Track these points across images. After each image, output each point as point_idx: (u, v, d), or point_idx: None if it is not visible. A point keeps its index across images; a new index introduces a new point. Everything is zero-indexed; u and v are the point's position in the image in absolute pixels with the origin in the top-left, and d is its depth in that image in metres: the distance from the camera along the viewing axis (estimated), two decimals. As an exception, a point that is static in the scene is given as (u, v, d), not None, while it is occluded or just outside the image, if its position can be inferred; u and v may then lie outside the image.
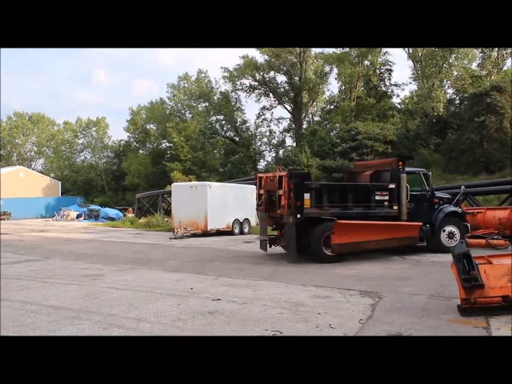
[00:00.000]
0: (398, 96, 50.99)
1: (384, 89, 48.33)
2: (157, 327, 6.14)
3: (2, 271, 11.23)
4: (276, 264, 12.22)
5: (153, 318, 6.57)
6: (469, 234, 14.52)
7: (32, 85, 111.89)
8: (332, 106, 52.34)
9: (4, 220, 41.10)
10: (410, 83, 52.85)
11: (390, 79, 48.28)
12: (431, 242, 13.99)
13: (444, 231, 14.01)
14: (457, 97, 44.53)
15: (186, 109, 56.04)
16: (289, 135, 54.76)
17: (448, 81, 44.65)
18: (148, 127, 57.15)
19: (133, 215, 35.85)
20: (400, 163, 13.56)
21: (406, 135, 39.26)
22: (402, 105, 48.47)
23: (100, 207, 40.98)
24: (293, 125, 53.01)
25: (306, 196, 12.05)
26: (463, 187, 15.67)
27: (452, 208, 14.45)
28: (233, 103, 53.90)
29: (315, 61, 51.76)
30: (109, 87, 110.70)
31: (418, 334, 5.67)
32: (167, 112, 55.47)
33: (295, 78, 50.42)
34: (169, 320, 6.47)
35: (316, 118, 54.41)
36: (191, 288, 8.77)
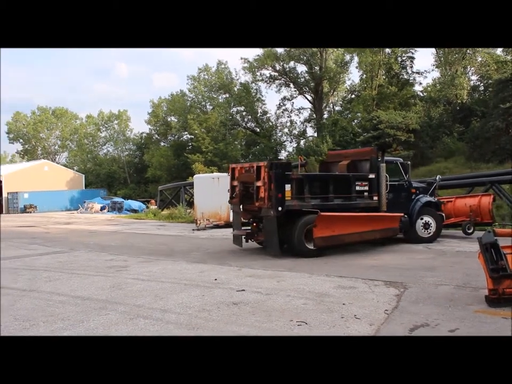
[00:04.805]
0: (421, 84, 50.23)
1: (406, 77, 47.38)
2: (182, 317, 6.20)
3: (31, 263, 11.51)
4: (298, 254, 12.19)
5: (178, 309, 6.64)
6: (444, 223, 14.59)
7: (55, 80, 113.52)
8: (353, 96, 51.73)
9: (30, 212, 42.01)
10: (433, 70, 51.96)
11: (412, 67, 47.23)
12: (409, 233, 13.76)
13: (421, 221, 13.82)
14: (482, 84, 43.51)
15: (207, 101, 55.94)
16: (310, 125, 54.30)
17: (472, 68, 43.72)
18: (169, 119, 57.31)
19: (156, 207, 36.10)
20: (380, 152, 13.35)
21: (428, 124, 38.59)
22: (424, 93, 47.55)
23: (123, 199, 41.35)
24: (314, 115, 52.59)
25: (287, 187, 11.52)
26: (439, 176, 15.66)
27: (428, 198, 14.29)
28: (253, 94, 53.60)
29: (335, 50, 51.18)
30: (130, 80, 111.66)
31: (445, 324, 5.63)
32: (188, 104, 55.49)
33: (316, 67, 49.88)
34: (194, 310, 6.53)
35: (337, 108, 53.84)
36: (215, 279, 8.83)
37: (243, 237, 12.98)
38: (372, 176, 13.00)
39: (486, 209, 15.48)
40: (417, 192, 14.28)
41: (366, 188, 12.89)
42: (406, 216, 13.45)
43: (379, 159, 13.19)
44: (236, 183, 12.82)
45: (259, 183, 11.73)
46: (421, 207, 13.86)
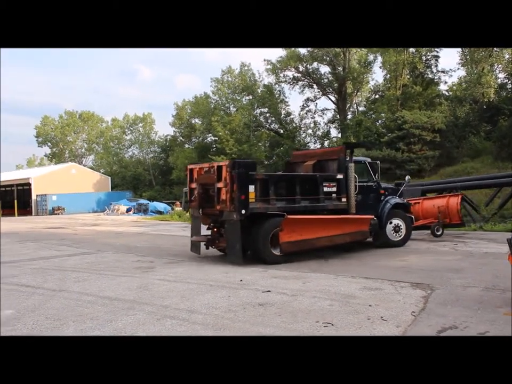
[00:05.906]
0: (446, 83, 49.30)
1: (431, 76, 46.73)
2: (208, 318, 6.24)
3: (60, 263, 11.75)
4: (323, 256, 12.14)
5: (204, 310, 6.69)
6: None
7: (81, 84, 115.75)
8: (377, 96, 51.27)
9: (59, 214, 42.85)
10: (458, 69, 51.13)
11: (437, 66, 46.61)
12: (379, 236, 13.16)
13: (391, 224, 13.30)
14: (509, 82, 42.69)
15: (231, 103, 56.13)
16: (334, 126, 53.98)
17: (499, 65, 42.90)
18: (193, 121, 57.65)
19: (181, 208, 36.33)
20: (348, 151, 12.83)
21: (455, 123, 38.01)
22: (450, 92, 46.85)
23: (148, 201, 41.82)
24: (338, 116, 52.28)
25: (251, 188, 10.71)
26: (408, 177, 15.21)
27: (397, 199, 13.76)
28: (277, 96, 53.56)
29: (358, 50, 50.78)
30: (154, 82, 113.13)
31: (474, 327, 5.54)
32: (212, 106, 55.71)
33: (339, 68, 49.58)
34: (220, 311, 6.57)
35: (361, 108, 53.38)
36: (241, 280, 8.87)
37: (203, 243, 12.18)
38: (340, 176, 12.38)
39: (454, 210, 15.38)
40: (386, 193, 13.72)
41: (334, 189, 12.27)
42: (375, 218, 12.88)
43: (347, 159, 12.63)
44: (194, 185, 12.12)
45: (220, 185, 10.94)
46: (390, 209, 13.36)
